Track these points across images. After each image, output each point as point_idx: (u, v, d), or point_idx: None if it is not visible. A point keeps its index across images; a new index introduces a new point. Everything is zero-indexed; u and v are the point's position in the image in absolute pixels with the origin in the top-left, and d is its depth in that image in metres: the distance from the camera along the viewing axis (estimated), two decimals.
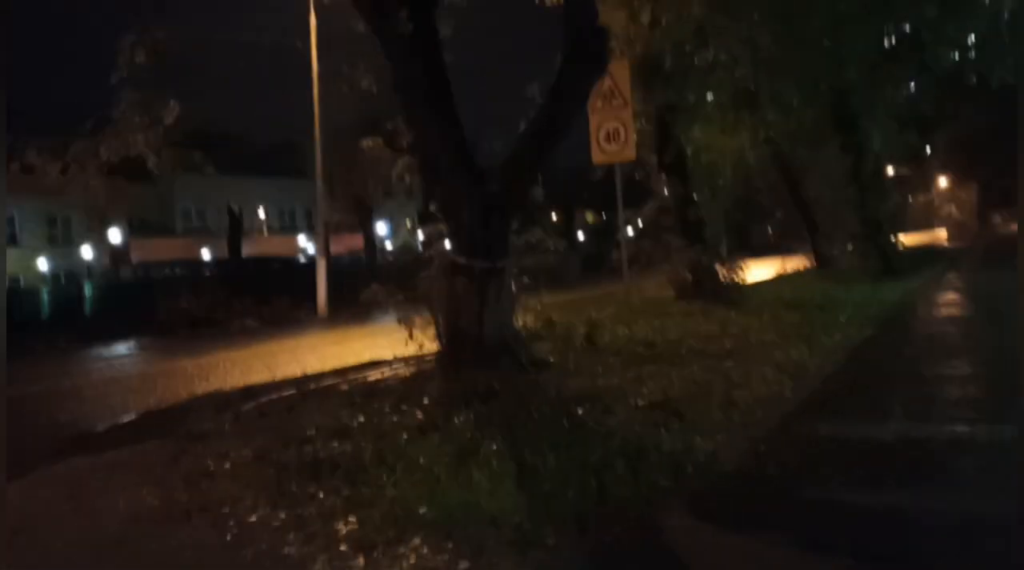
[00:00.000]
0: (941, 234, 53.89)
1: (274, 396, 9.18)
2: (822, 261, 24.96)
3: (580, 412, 7.23)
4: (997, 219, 60.75)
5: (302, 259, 51.68)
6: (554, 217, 60.02)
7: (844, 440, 5.97)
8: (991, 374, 8.08)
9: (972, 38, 22.97)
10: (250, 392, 9.55)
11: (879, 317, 13.16)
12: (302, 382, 9.98)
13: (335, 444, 6.44)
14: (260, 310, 24.73)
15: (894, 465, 5.29)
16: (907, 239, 28.79)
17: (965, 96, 29.86)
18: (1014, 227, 54.91)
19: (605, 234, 50.39)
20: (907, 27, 18.84)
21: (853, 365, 9.22)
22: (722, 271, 16.35)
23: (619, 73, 13.93)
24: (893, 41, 19.89)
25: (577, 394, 8.04)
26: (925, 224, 51.39)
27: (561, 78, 9.13)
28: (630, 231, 19.43)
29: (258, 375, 11.47)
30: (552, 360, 9.95)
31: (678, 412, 7.06)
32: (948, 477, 5.05)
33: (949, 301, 15.91)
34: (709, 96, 15.88)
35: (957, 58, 25.31)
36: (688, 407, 7.20)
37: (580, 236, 68.53)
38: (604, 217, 63.23)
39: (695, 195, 16.72)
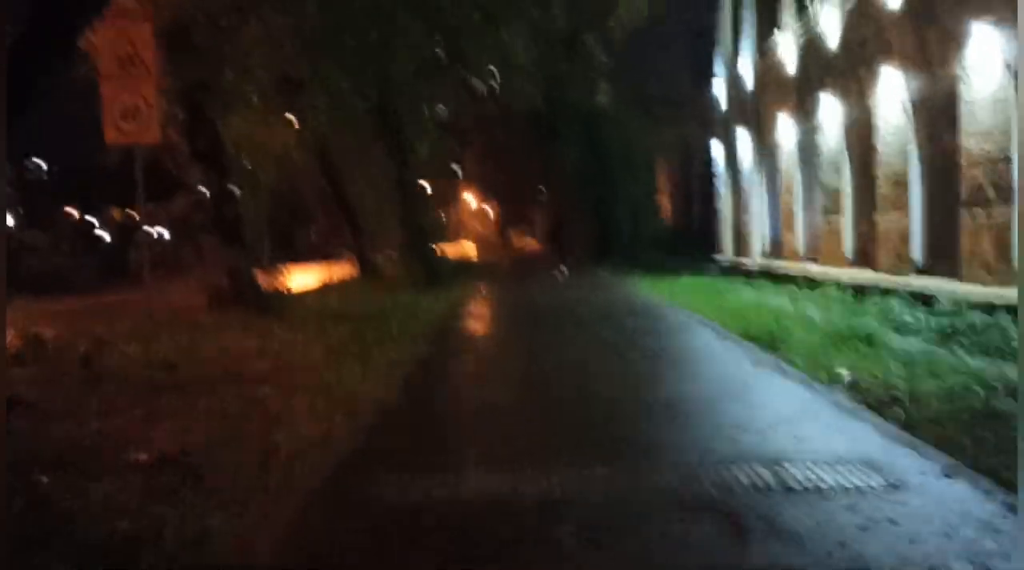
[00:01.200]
0: (470, 248, 57.58)
1: None
2: (366, 268, 24.30)
3: (45, 482, 4.95)
4: (515, 237, 66.82)
5: None
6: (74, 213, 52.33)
7: (419, 507, 4.56)
8: (553, 400, 7.39)
9: (506, 60, 24.16)
10: None
11: (431, 331, 12.38)
12: None
13: None
14: None
15: (485, 542, 3.99)
16: (448, 250, 29.61)
17: (496, 117, 31.64)
18: (530, 244, 60.93)
19: (131, 232, 45.11)
20: (454, 36, 18.76)
21: (413, 390, 8.01)
22: (264, 277, 14.49)
23: (139, 36, 11.35)
24: (440, 50, 19.79)
25: (56, 450, 5.69)
26: (455, 237, 54.41)
27: (34, 22, 6.60)
28: (160, 229, 16.62)
29: None
30: (28, 397, 7.32)
31: (197, 471, 5.15)
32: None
33: (495, 314, 15.91)
34: (250, 78, 13.91)
35: (495, 77, 26.62)
36: (213, 461, 5.33)
37: (105, 235, 61.07)
38: (133, 213, 56.95)
39: (234, 190, 14.61)
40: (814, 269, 14.85)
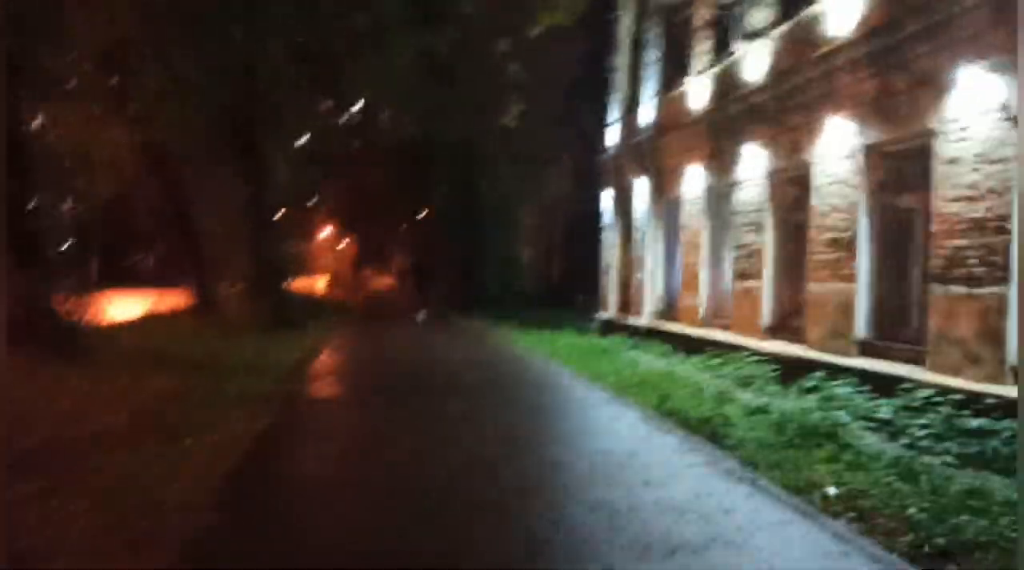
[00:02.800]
0: (321, 283, 54.48)
1: None
2: (205, 302, 21.14)
3: None
4: (371, 275, 64.17)
5: None
6: None
7: None
8: (462, 538, 5.15)
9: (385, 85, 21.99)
10: None
11: (279, 390, 9.81)
12: None
13: None
14: None
15: None
16: (297, 286, 26.77)
17: (366, 146, 29.40)
18: (383, 281, 58.08)
19: None
20: (333, 51, 16.50)
21: (243, 503, 5.50)
22: (66, 308, 11.49)
23: None
24: (314, 65, 17.44)
25: None
26: (307, 271, 51.21)
27: None
28: None
29: None
30: None
31: None
32: None
33: (359, 373, 13.40)
34: (76, 53, 11.08)
35: (367, 101, 24.37)
36: None
37: None
38: None
39: (36, 197, 11.63)
40: (720, 336, 13.23)
